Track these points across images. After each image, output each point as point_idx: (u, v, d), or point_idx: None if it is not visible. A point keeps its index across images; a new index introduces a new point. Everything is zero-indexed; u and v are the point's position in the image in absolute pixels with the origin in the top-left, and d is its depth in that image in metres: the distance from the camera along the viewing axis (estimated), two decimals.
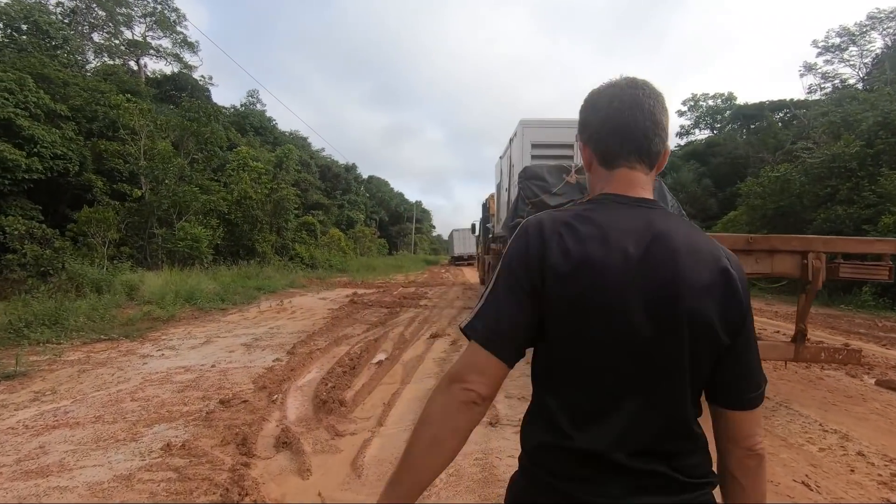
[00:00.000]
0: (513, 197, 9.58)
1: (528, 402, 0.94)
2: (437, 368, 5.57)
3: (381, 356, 6.21)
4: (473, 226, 18.68)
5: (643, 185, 0.93)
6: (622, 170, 0.93)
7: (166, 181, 15.16)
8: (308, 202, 37.53)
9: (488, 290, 0.89)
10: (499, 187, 12.32)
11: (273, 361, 6.08)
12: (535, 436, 0.88)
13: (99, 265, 13.68)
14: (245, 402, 4.51)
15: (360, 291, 14.77)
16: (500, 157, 11.72)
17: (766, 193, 17.57)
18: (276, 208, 20.56)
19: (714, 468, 0.90)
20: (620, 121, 0.90)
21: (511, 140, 9.85)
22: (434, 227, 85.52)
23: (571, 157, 8.47)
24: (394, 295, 13.65)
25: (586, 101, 0.98)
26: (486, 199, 15.97)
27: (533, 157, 8.38)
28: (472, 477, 3.03)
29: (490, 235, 14.58)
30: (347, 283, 18.13)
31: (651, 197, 0.93)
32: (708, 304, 0.82)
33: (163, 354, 6.58)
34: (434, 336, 7.32)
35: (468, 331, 0.87)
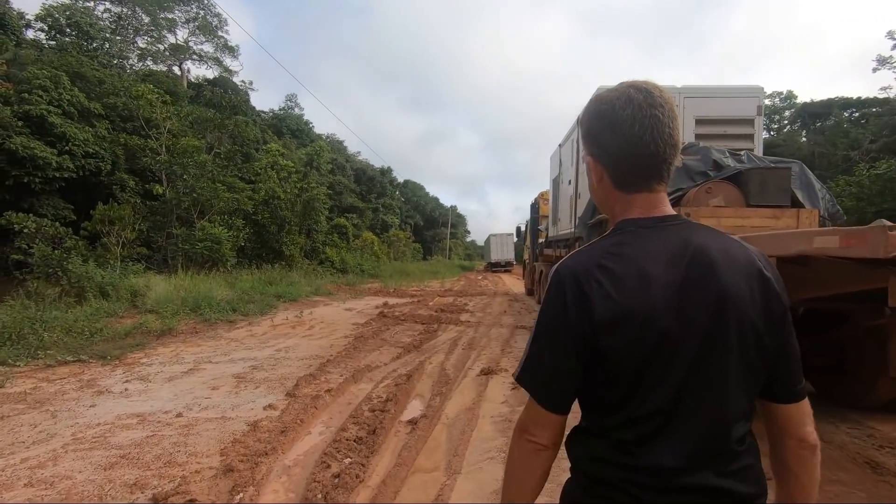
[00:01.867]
0: (581, 188, 7.52)
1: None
2: (500, 439, 3.58)
3: (415, 408, 4.28)
4: (518, 229, 16.64)
5: (664, 202, 0.91)
6: (643, 194, 0.90)
7: (185, 176, 13.78)
8: (342, 205, 36.40)
9: (532, 343, 0.89)
10: (555, 182, 10.27)
11: (263, 410, 4.25)
12: (592, 452, 0.87)
13: (112, 267, 12.42)
14: (190, 503, 2.66)
15: (392, 301, 12.93)
16: (560, 145, 9.68)
17: (865, 195, 14.81)
18: (305, 209, 19.06)
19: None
20: (643, 149, 0.86)
21: (580, 117, 7.81)
22: (469, 233, 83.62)
23: None
24: (429, 306, 11.75)
25: (598, 112, 0.91)
26: (536, 199, 13.91)
27: None
28: None
29: (541, 240, 12.50)
30: (378, 290, 16.37)
31: (672, 212, 0.91)
32: (751, 311, 0.82)
33: (125, 390, 4.86)
34: (486, 373, 5.33)
35: (523, 384, 0.90)
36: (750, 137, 6.39)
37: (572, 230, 8.12)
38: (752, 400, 0.88)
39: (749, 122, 6.45)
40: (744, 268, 0.84)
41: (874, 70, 30.02)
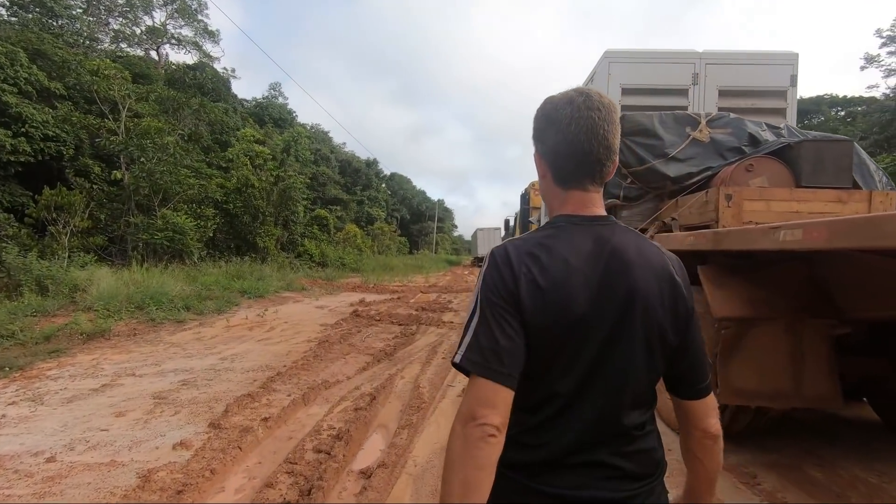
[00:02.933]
0: None
1: None
2: None
3: (374, 447, 3.21)
4: (507, 222, 15.58)
5: (596, 203, 0.95)
6: (576, 191, 0.94)
7: (142, 159, 12.47)
8: (326, 197, 35.09)
9: (474, 321, 0.86)
10: None
11: (172, 450, 3.16)
12: (506, 453, 0.83)
13: (60, 259, 11.13)
14: None
15: (370, 298, 11.83)
16: None
17: None
18: (281, 198, 17.80)
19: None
20: (577, 147, 0.90)
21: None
22: (456, 227, 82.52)
23: (686, 108, 5.41)
24: (410, 304, 10.68)
25: (543, 111, 0.96)
26: (527, 189, 12.86)
27: (623, 108, 5.28)
28: None
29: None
30: (357, 285, 15.22)
31: (603, 213, 0.95)
32: (659, 309, 0.88)
33: (2, 416, 3.72)
34: None
35: (467, 365, 0.83)
36: (781, 112, 5.41)
37: None
38: (653, 391, 0.93)
39: (781, 94, 5.46)
40: (656, 269, 0.90)
41: (861, 68, 29.58)
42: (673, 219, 3.90)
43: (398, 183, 57.48)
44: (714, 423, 0.96)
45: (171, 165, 12.99)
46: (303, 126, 40.91)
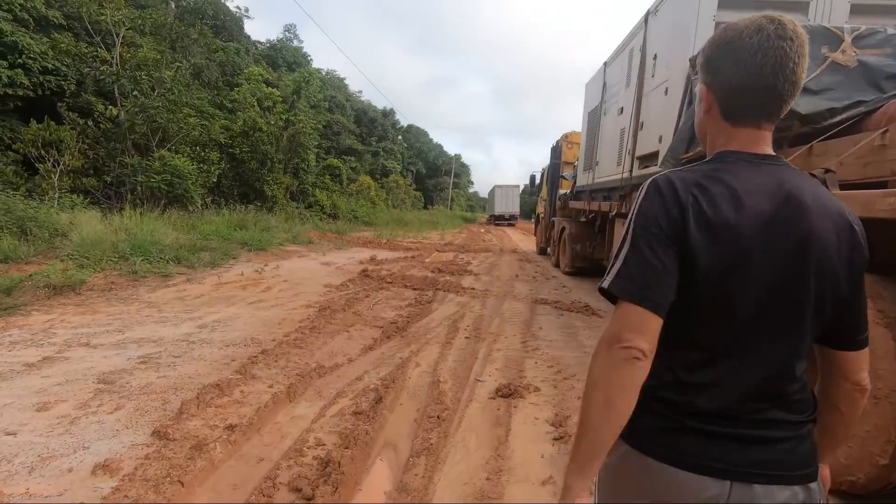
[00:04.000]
0: (646, 117, 5.24)
1: None
2: None
3: (376, 491, 2.20)
4: (532, 178, 14.20)
5: (767, 141, 0.87)
6: (749, 129, 0.87)
7: (136, 93, 11.27)
8: (340, 146, 33.71)
9: (626, 248, 0.82)
10: (593, 115, 7.87)
11: (90, 476, 2.19)
12: (665, 391, 0.83)
13: (50, 200, 10.23)
14: None
15: (382, 255, 10.80)
16: (606, 64, 7.22)
17: None
18: (291, 144, 16.57)
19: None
20: (761, 82, 0.82)
21: (649, 13, 5.36)
22: (472, 183, 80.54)
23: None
24: (425, 264, 9.63)
25: (722, 39, 0.86)
26: (558, 142, 11.47)
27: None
28: None
29: (564, 191, 10.22)
30: (369, 241, 14.17)
31: (773, 152, 0.87)
32: (835, 258, 0.81)
33: None
34: (505, 394, 3.23)
35: (615, 290, 0.80)
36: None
37: (622, 175, 5.85)
38: (811, 340, 0.87)
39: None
40: (833, 216, 0.82)
41: None
42: (828, 171, 2.68)
43: (415, 135, 55.50)
44: (866, 377, 0.90)
45: (168, 102, 11.78)
46: (318, 70, 38.99)
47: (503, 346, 4.40)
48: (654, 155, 4.96)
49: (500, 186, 37.49)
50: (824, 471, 0.93)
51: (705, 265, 0.78)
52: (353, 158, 34.15)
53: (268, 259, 9.05)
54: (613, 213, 6.12)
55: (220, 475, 2.25)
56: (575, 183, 9.08)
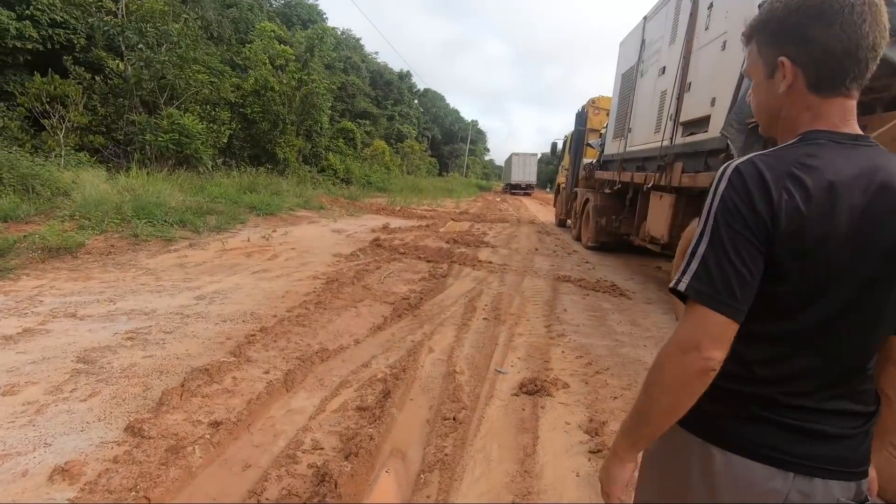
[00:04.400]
0: (694, 77, 4.63)
1: None
2: None
3: None
4: (554, 146, 13.46)
5: (854, 114, 0.79)
6: (839, 100, 0.78)
7: (140, 46, 10.73)
8: (355, 109, 32.90)
9: (704, 244, 0.75)
10: (627, 76, 7.18)
11: (46, 482, 1.85)
12: (737, 383, 0.80)
13: (57, 156, 9.93)
14: None
15: (395, 224, 10.37)
16: (647, 19, 6.49)
17: None
18: (303, 105, 15.96)
19: None
20: (857, 41, 0.73)
21: None
22: (488, 150, 78.96)
23: None
24: (440, 234, 9.19)
25: (802, 2, 0.76)
26: (584, 107, 10.75)
27: None
28: None
29: (588, 160, 9.61)
30: (382, 207, 13.71)
31: (860, 131, 0.79)
32: None
33: None
34: (530, 390, 2.82)
35: (693, 294, 0.74)
36: None
37: (661, 143, 5.27)
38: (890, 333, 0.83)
39: None
40: None
41: None
42: None
43: (431, 100, 54.05)
44: None
45: (176, 57, 11.24)
46: (333, 29, 37.74)
47: (525, 330, 3.99)
48: (703, 120, 4.37)
49: (517, 154, 36.49)
50: (871, 470, 0.87)
51: (795, 268, 0.73)
52: (367, 122, 33.36)
53: (276, 224, 8.68)
54: (649, 185, 5.56)
55: (196, 487, 1.90)
56: (602, 152, 8.45)
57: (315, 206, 11.32)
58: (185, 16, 12.29)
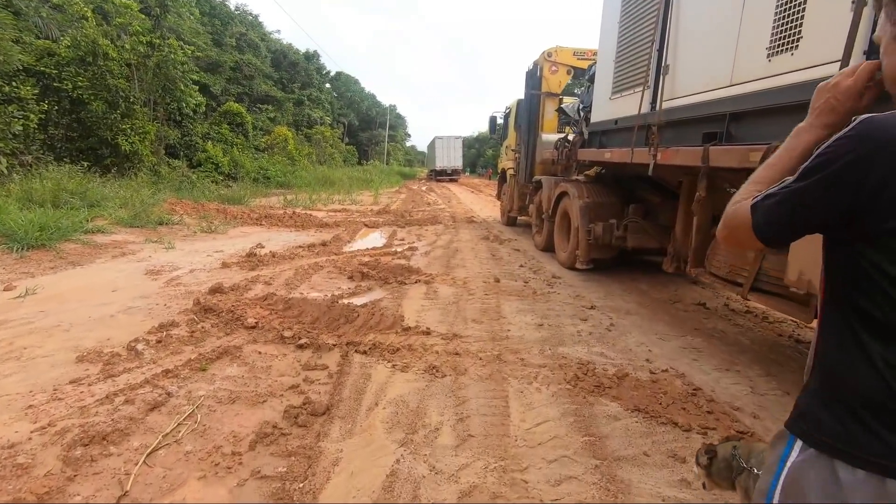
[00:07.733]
0: None
1: None
2: None
3: None
4: (493, 120, 10.12)
5: None
6: None
7: None
8: (255, 93, 27.84)
9: (790, 188, 0.70)
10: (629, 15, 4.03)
11: None
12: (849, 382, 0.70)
13: None
14: None
15: (274, 244, 6.65)
16: None
17: None
18: (157, 79, 11.48)
19: None
20: None
21: None
22: (409, 136, 74.81)
23: None
24: (341, 261, 5.70)
25: None
26: (538, 62, 7.58)
27: None
28: None
29: (563, 137, 6.50)
30: (269, 213, 9.74)
31: None
32: None
33: None
34: None
35: (762, 222, 0.73)
36: None
37: (754, 79, 2.18)
38: None
39: None
40: None
41: None
42: None
43: (345, 84, 49.05)
44: None
45: None
46: (234, 14, 32.07)
47: None
48: None
49: (440, 138, 33.18)
50: None
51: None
52: (271, 108, 28.46)
53: (41, 264, 4.70)
54: (715, 165, 2.50)
55: None
56: (587, 120, 5.32)
57: (153, 220, 7.25)
58: None
